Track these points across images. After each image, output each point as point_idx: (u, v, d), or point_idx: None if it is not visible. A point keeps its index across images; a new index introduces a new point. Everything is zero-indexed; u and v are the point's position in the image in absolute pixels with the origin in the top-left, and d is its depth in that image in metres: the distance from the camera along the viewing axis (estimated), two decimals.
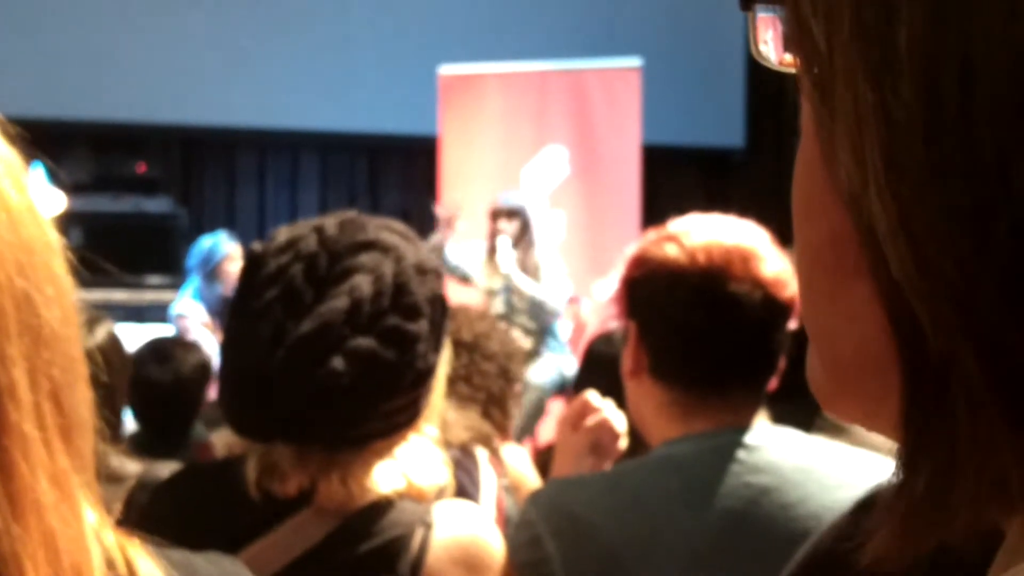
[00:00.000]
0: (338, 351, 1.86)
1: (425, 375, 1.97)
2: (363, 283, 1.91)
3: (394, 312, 1.91)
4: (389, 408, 1.93)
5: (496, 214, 8.28)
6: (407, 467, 1.96)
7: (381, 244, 1.97)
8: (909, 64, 0.52)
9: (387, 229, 2.03)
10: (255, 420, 1.93)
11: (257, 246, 2.02)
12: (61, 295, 0.87)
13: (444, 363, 2.07)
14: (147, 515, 1.97)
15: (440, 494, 2.02)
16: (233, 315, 2.00)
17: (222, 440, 2.05)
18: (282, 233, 2.02)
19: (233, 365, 1.96)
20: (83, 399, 0.89)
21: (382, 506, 1.92)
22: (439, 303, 2.01)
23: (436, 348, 2.00)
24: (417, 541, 1.90)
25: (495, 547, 1.98)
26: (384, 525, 1.91)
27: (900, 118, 0.53)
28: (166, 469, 2.10)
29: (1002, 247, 0.52)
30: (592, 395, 2.44)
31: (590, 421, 2.40)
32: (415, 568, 1.89)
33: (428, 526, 1.92)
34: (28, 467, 0.81)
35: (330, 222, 2.02)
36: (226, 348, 2.00)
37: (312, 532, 1.91)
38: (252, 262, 2.00)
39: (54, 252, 0.88)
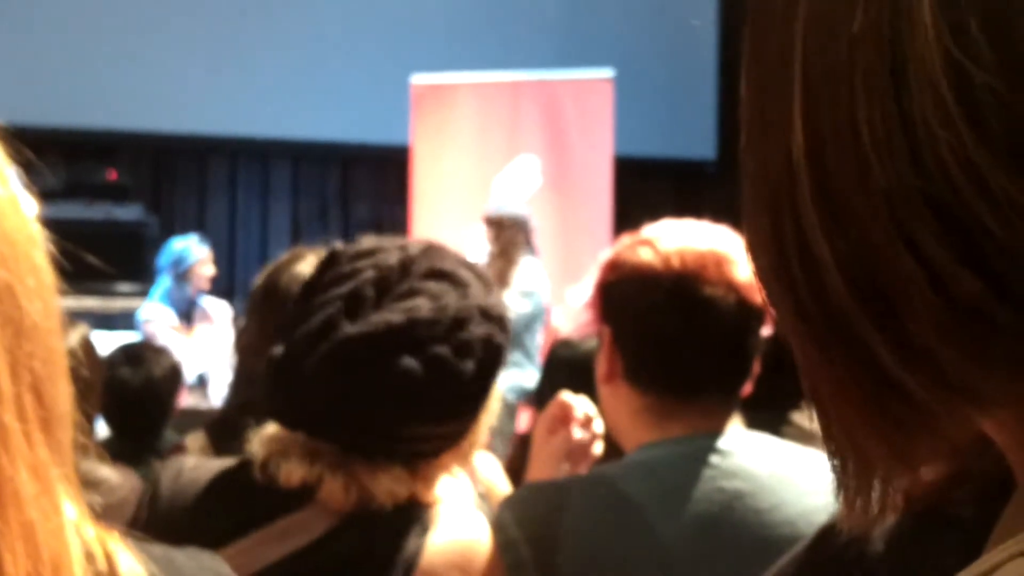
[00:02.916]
0: (382, 363, 1.88)
1: (462, 413, 1.98)
2: (423, 306, 1.91)
3: (445, 343, 1.92)
4: (413, 433, 1.93)
5: (492, 221, 8.27)
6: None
7: (455, 277, 1.98)
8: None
9: (466, 266, 2.03)
10: (287, 410, 1.96)
11: (338, 246, 2.05)
12: (42, 287, 0.87)
13: (490, 413, 2.07)
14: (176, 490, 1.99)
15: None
16: (296, 303, 2.01)
17: (194, 445, 2.05)
18: (367, 241, 2.05)
19: (281, 353, 1.96)
20: (63, 392, 0.89)
21: (382, 506, 1.92)
22: (494, 350, 1.99)
23: (481, 392, 2.00)
24: (413, 542, 1.91)
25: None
26: (382, 525, 1.92)
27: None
28: (190, 460, 2.12)
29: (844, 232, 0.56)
30: (569, 396, 2.43)
31: (575, 433, 2.40)
32: (408, 569, 1.89)
33: (425, 528, 1.93)
34: (8, 459, 0.81)
35: (414, 244, 2.04)
36: (280, 335, 1.99)
37: (312, 527, 1.91)
38: (329, 259, 2.02)
39: (36, 244, 0.88)
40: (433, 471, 1.99)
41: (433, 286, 1.95)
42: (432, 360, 1.89)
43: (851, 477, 0.63)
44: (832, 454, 0.64)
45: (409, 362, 1.88)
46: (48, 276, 0.88)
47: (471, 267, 2.05)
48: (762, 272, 0.62)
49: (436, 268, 1.98)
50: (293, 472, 1.93)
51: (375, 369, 1.88)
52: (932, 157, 0.51)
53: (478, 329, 1.95)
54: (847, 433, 0.61)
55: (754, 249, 0.62)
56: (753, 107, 0.61)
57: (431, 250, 2.03)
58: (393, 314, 1.89)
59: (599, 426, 2.40)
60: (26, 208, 0.88)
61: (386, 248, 2.01)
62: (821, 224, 0.56)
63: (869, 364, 0.57)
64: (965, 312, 0.52)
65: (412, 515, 1.94)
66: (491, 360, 1.98)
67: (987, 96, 0.49)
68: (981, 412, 0.58)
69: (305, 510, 1.93)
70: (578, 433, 2.40)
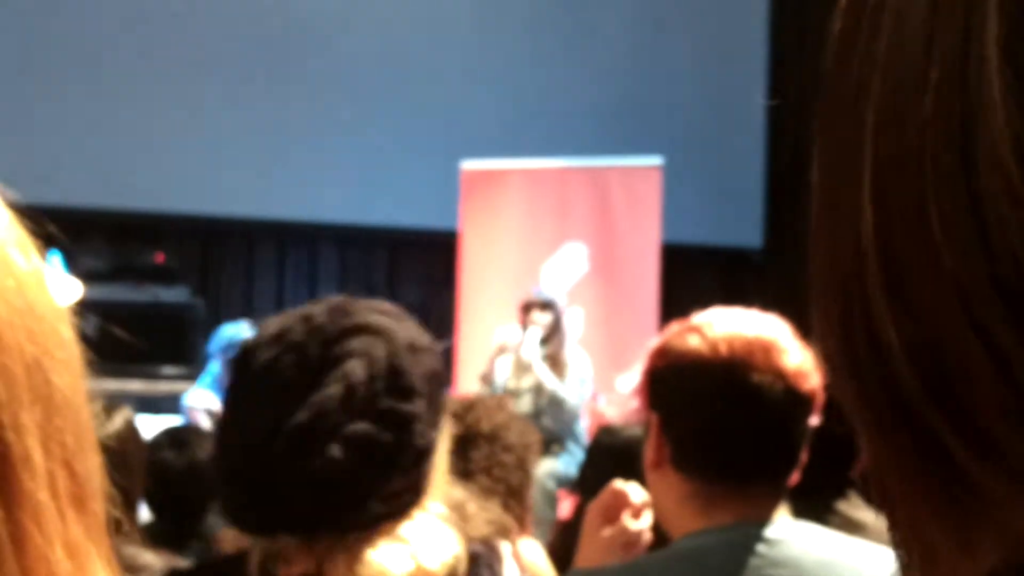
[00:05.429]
0: (335, 439, 1.84)
1: (425, 453, 1.94)
2: (356, 368, 1.87)
3: (388, 394, 1.89)
4: (391, 490, 1.90)
5: (529, 306, 8.33)
6: (414, 548, 1.94)
7: (371, 327, 1.94)
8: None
9: (376, 311, 1.99)
10: (257, 515, 1.90)
11: (248, 340, 2.01)
12: (70, 360, 0.86)
13: (444, 439, 2.05)
14: None
15: (453, 572, 1.99)
16: (226, 410, 2.00)
17: (228, 535, 2.03)
18: (271, 324, 2.00)
19: (230, 461, 1.93)
20: (94, 466, 0.87)
21: None
22: (436, 379, 1.97)
23: (435, 425, 1.96)
24: None
25: None
26: None
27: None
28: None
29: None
30: (622, 484, 2.42)
31: (629, 523, 2.38)
32: None
33: None
34: (43, 537, 0.80)
35: (318, 309, 1.99)
36: (221, 444, 1.99)
37: None
38: (243, 356, 1.98)
39: (61, 317, 0.87)
40: (398, 529, 1.94)
41: (355, 344, 1.91)
42: (384, 415, 1.87)
43: (916, 568, 0.61)
44: (897, 544, 0.62)
45: (362, 427, 1.85)
46: (75, 349, 0.87)
47: (381, 309, 2.02)
48: (828, 358, 0.60)
49: (348, 326, 1.94)
50: (293, 565, 1.89)
51: (335, 446, 1.84)
52: (1000, 240, 0.49)
53: (415, 368, 1.92)
54: (912, 523, 0.60)
55: (821, 334, 0.61)
56: (823, 192, 0.60)
57: (335, 310, 1.98)
58: (329, 387, 1.86)
59: (648, 517, 2.38)
60: (50, 282, 0.87)
61: (291, 325, 1.96)
62: (890, 310, 0.54)
63: (936, 454, 0.55)
64: None
65: None
66: (438, 390, 1.98)
67: None
68: None
69: None
70: (632, 523, 2.38)
